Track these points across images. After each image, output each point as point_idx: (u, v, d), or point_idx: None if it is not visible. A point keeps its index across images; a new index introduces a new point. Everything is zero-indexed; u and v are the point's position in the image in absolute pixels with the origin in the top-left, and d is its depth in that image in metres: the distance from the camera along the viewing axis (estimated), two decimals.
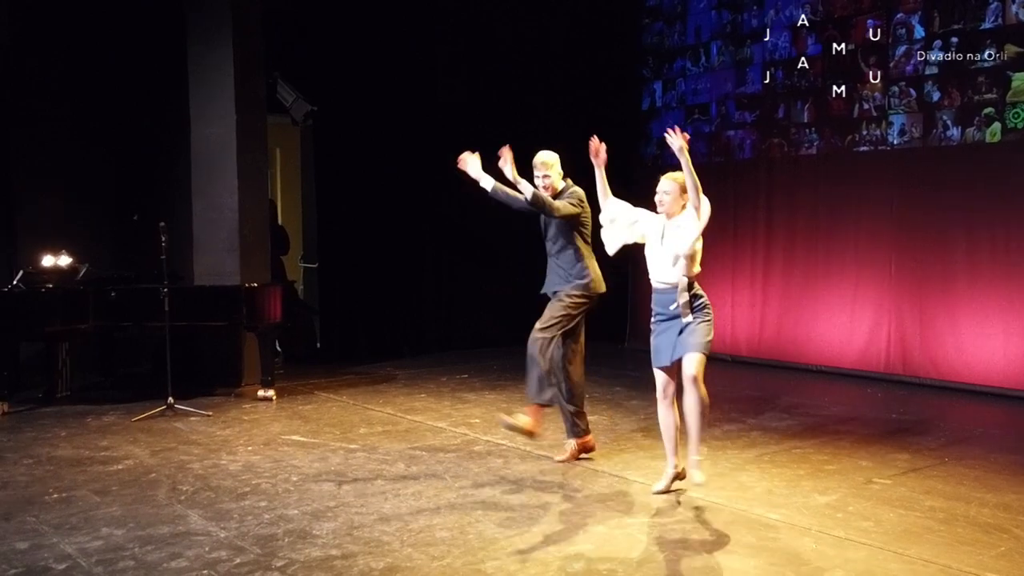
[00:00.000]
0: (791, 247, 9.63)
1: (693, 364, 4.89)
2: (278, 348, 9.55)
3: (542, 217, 5.86)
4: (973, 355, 8.21)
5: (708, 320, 5.01)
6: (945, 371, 8.40)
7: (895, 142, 8.79)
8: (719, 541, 4.46)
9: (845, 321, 9.14)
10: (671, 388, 5.11)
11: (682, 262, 4.97)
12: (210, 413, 7.31)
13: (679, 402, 5.07)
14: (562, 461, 5.88)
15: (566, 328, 5.73)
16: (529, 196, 5.61)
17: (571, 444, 5.93)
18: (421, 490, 5.28)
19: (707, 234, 5.04)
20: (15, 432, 6.77)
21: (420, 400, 7.95)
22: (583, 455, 5.93)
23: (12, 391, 7.53)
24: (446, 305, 10.68)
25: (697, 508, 4.96)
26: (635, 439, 6.20)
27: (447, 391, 8.32)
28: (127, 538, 4.51)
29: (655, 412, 5.32)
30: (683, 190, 4.97)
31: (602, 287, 5.89)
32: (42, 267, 7.83)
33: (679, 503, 5.05)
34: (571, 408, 5.87)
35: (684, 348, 4.95)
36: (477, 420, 7.10)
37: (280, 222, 10.32)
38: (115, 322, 7.74)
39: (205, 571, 4.10)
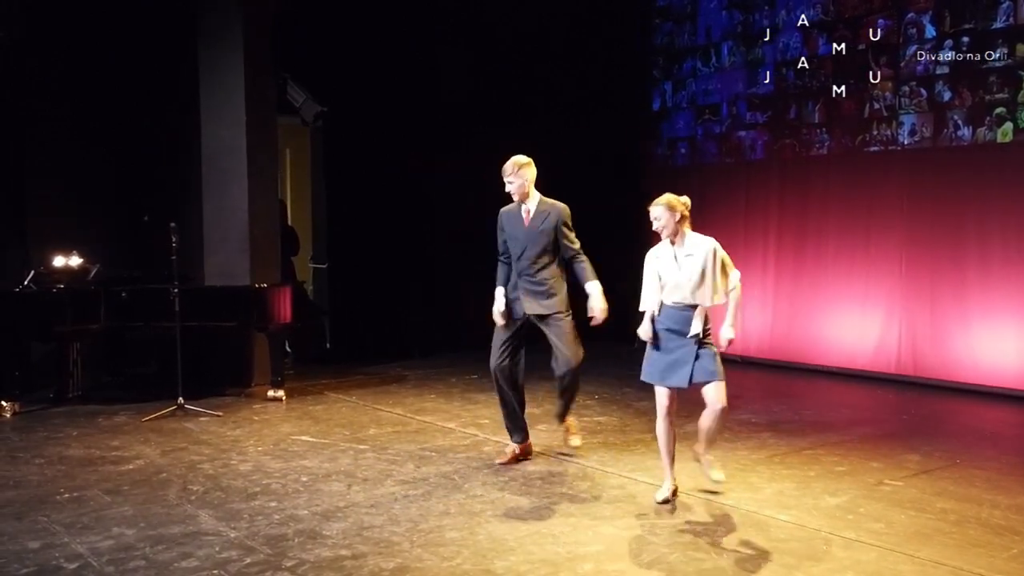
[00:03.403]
0: (802, 247, 9.60)
1: (722, 393, 4.87)
2: (288, 348, 9.58)
3: (522, 234, 5.79)
4: (985, 355, 8.17)
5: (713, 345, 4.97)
6: (956, 372, 8.37)
7: (906, 142, 8.76)
8: (729, 542, 4.45)
9: (856, 321, 9.11)
10: (674, 406, 5.07)
11: (705, 289, 4.87)
12: (220, 413, 7.33)
13: (675, 420, 5.11)
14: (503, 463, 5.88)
15: None
16: (590, 272, 5.68)
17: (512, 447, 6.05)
18: (431, 490, 5.29)
19: (718, 235, 5.02)
20: (27, 432, 6.80)
21: (430, 401, 7.95)
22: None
23: (23, 391, 7.54)
24: (456, 306, 10.67)
25: (707, 509, 4.96)
26: (645, 440, 6.19)
27: (457, 392, 8.32)
28: (138, 538, 4.53)
29: None
30: (672, 209, 4.84)
31: None
32: (53, 267, 7.85)
33: (687, 504, 5.05)
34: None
35: (705, 375, 4.87)
36: (487, 421, 7.10)
37: (290, 223, 10.34)
38: (125, 322, 7.75)
39: (215, 571, 4.11)
